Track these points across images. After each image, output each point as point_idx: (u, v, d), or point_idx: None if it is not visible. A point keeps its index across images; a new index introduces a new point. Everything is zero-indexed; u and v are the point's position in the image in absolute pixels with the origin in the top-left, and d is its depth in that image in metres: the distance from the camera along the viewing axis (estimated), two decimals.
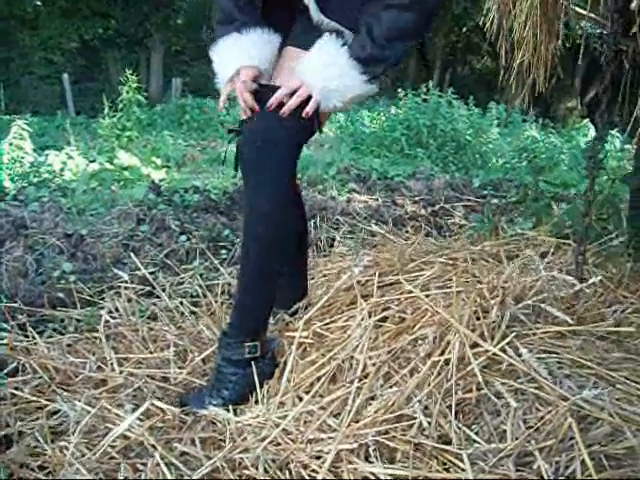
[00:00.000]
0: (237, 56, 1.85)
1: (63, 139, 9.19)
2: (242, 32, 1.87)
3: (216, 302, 2.61)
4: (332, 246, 3.77)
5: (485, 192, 5.90)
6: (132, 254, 3.05)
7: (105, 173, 5.61)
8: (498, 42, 2.94)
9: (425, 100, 9.11)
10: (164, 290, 2.75)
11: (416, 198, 5.30)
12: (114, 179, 5.52)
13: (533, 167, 8.24)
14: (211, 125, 11.98)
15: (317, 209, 4.41)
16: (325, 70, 1.75)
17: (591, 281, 1.75)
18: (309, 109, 1.76)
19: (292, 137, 1.82)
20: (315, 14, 1.80)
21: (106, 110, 7.28)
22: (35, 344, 2.19)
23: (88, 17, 16.90)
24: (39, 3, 15.47)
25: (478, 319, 1.66)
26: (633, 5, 1.87)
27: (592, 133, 9.40)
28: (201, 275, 2.97)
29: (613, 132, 10.11)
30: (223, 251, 3.34)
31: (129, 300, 2.64)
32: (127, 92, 7.13)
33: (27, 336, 2.27)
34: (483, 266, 2.22)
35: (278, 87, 1.79)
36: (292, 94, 1.77)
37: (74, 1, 16.22)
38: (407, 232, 4.20)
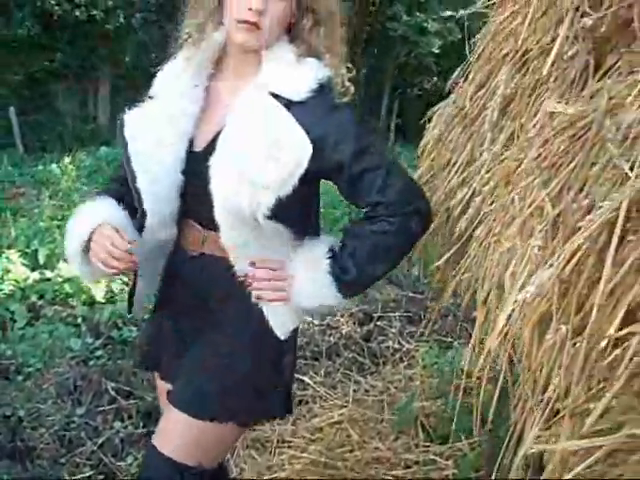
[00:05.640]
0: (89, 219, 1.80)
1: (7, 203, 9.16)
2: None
3: None
4: None
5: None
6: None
7: (45, 284, 5.69)
8: None
9: None
10: None
11: (352, 309, 5.45)
12: (54, 290, 5.63)
13: None
14: None
15: None
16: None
17: None
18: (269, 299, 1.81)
19: None
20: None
21: (47, 194, 7.29)
22: None
23: (33, 50, 16.68)
24: None
25: None
26: None
27: None
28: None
29: None
30: None
31: None
32: (66, 181, 7.16)
33: None
34: None
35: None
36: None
37: (17, 34, 16.00)
38: (339, 370, 4.45)
